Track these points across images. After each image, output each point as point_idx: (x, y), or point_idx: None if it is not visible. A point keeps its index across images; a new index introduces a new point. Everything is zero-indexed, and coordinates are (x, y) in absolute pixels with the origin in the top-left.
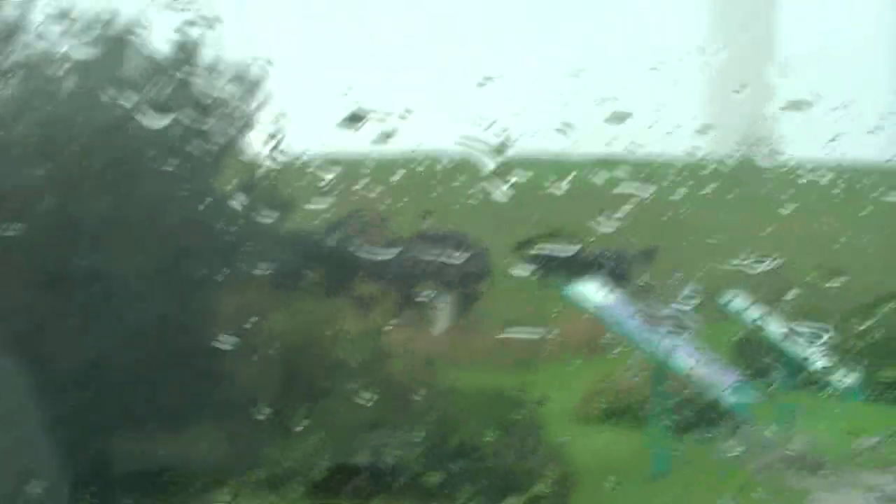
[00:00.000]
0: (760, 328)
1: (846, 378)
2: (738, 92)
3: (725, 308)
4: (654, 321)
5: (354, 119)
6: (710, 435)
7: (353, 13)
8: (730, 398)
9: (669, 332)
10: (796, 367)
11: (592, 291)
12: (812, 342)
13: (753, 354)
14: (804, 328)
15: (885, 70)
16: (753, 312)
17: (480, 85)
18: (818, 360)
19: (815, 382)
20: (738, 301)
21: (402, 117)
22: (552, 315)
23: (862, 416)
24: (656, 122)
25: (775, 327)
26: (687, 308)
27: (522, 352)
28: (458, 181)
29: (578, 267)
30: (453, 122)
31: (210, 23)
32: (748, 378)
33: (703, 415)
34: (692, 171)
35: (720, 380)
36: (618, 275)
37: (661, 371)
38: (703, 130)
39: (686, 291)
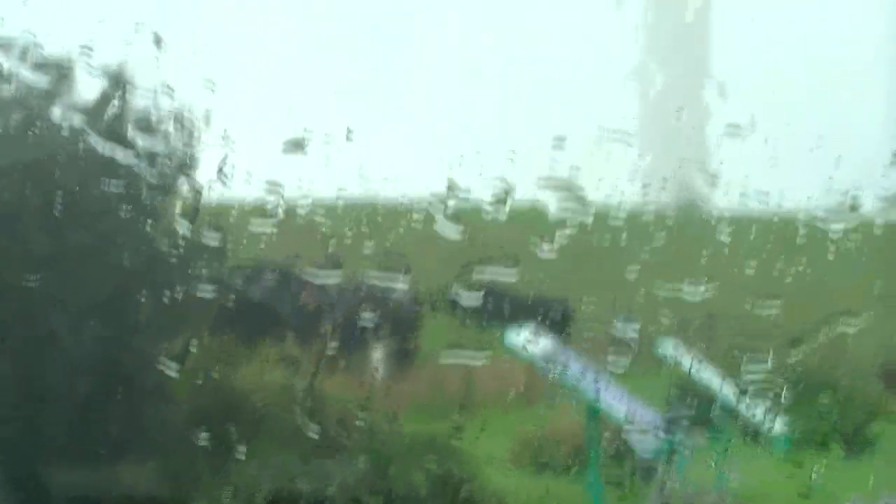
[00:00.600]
0: (695, 374)
1: (777, 424)
2: (677, 112)
3: (661, 354)
4: (589, 368)
5: (297, 144)
6: (644, 483)
7: (297, 33)
8: (663, 446)
9: (604, 379)
10: (729, 414)
11: (529, 337)
12: (746, 383)
13: (688, 402)
14: (741, 362)
15: (823, 89)
16: (687, 358)
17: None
18: (751, 405)
19: (749, 429)
20: (673, 347)
21: (348, 139)
22: (489, 360)
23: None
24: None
25: (710, 373)
26: (622, 356)
27: (457, 396)
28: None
29: (515, 311)
30: (402, 144)
31: (155, 43)
32: (682, 426)
33: (638, 463)
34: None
35: (654, 427)
36: (554, 320)
37: (595, 419)
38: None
39: (624, 332)
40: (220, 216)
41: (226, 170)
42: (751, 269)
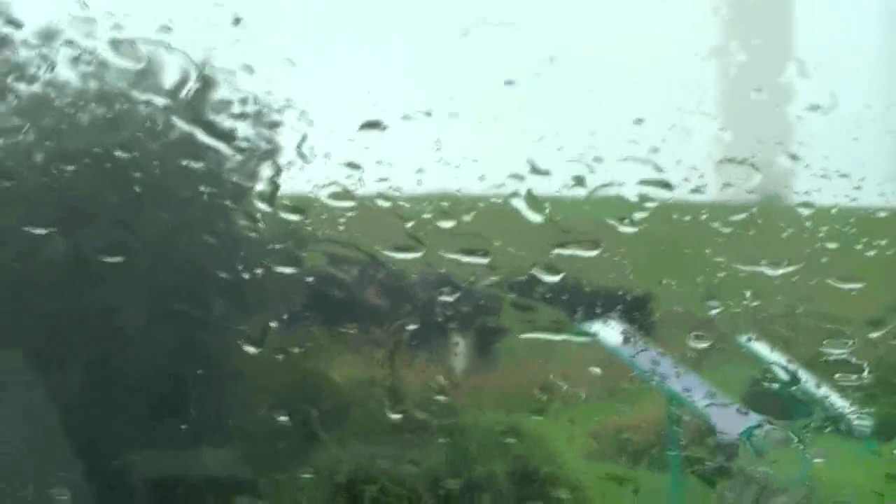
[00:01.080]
0: (776, 369)
1: (863, 420)
2: (758, 91)
3: (740, 347)
4: (669, 361)
5: (375, 125)
6: (725, 477)
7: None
8: (746, 441)
9: (685, 372)
10: (814, 409)
11: (609, 329)
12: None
13: (770, 396)
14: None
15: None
16: (768, 352)
17: (508, 83)
18: (836, 399)
19: (834, 424)
20: (752, 341)
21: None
22: (571, 352)
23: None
24: (674, 125)
25: (792, 367)
26: (702, 346)
27: (538, 389)
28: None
29: (594, 295)
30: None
31: (234, 23)
32: (765, 421)
33: (718, 457)
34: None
35: (736, 422)
36: (633, 304)
37: (675, 405)
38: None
39: (703, 315)
40: (299, 197)
41: (304, 150)
42: (832, 251)
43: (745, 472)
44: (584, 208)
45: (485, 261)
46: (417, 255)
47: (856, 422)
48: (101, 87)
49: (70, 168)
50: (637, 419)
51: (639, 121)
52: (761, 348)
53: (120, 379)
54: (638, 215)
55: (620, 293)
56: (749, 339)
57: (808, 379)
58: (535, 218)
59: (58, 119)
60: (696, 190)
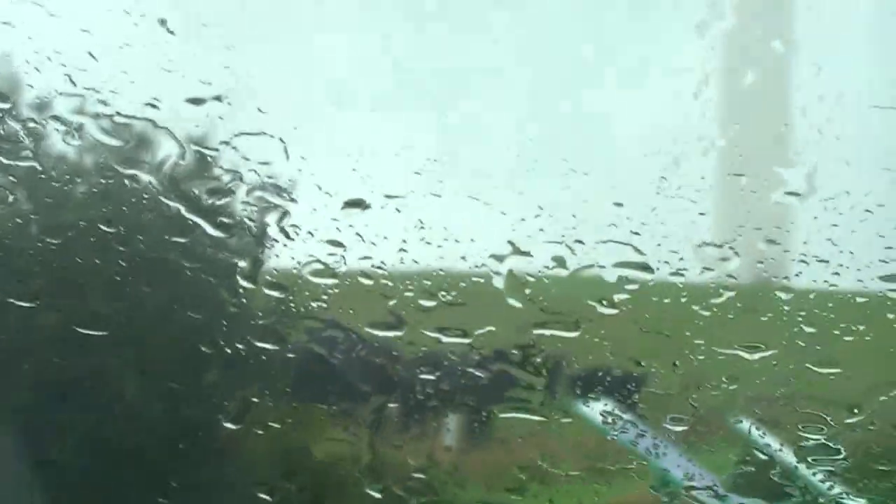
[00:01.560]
0: (768, 450)
1: (838, 490)
2: (738, 176)
3: (731, 427)
4: (653, 433)
5: (358, 203)
6: None
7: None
8: None
9: (667, 443)
10: (797, 492)
11: (599, 409)
12: (806, 448)
13: (762, 478)
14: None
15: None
16: (758, 434)
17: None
18: (828, 482)
19: (811, 495)
20: (742, 423)
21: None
22: (564, 431)
23: None
24: (654, 207)
25: (783, 449)
26: (679, 428)
27: (530, 469)
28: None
29: (583, 382)
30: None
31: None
32: (743, 490)
33: None
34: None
35: (717, 493)
36: (615, 384)
37: (666, 486)
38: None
39: (684, 398)
40: (282, 274)
41: (286, 227)
42: (809, 336)
43: None
44: (565, 289)
45: (466, 340)
46: (399, 332)
47: (836, 498)
48: (87, 161)
49: (56, 241)
50: (622, 499)
51: (619, 204)
52: (746, 430)
53: (102, 450)
54: (618, 297)
55: (600, 374)
56: (737, 422)
57: (790, 462)
58: (514, 301)
59: (45, 192)
60: (676, 273)
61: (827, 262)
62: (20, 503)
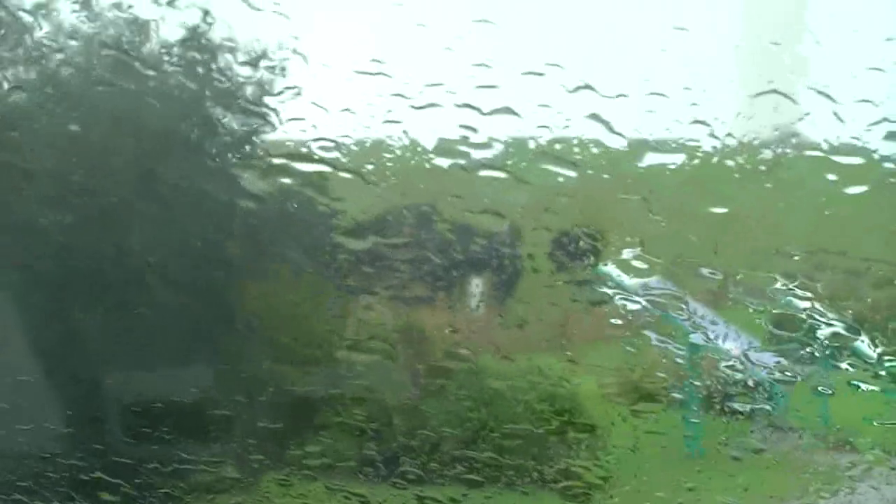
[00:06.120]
0: (796, 310)
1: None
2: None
3: (760, 289)
4: (687, 302)
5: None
6: (743, 417)
7: None
8: (766, 381)
9: (703, 313)
10: (836, 347)
11: (623, 272)
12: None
13: (790, 337)
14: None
15: None
16: (787, 293)
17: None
18: (857, 342)
19: (855, 366)
20: (771, 283)
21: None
22: (585, 296)
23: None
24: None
25: (811, 308)
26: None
27: (555, 333)
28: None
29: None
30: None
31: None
32: (785, 361)
33: (739, 397)
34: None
35: (756, 362)
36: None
37: (695, 352)
38: None
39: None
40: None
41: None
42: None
43: (766, 411)
44: None
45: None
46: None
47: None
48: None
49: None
50: (656, 364)
51: None
52: (779, 290)
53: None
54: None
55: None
56: (767, 281)
57: (834, 324)
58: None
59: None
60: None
61: None
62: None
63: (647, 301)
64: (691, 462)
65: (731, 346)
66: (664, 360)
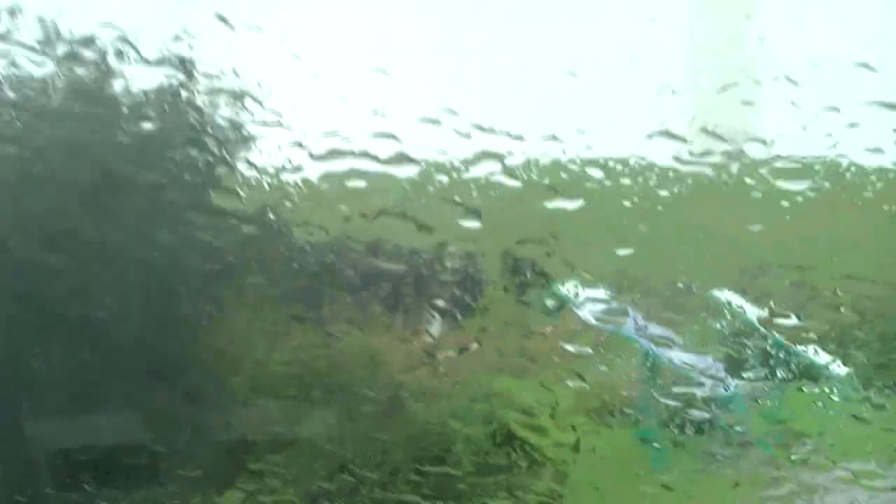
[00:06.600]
0: (750, 322)
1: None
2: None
3: (715, 302)
4: (638, 316)
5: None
6: (704, 430)
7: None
8: (723, 394)
9: (658, 328)
10: (788, 356)
11: (577, 290)
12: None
13: (745, 350)
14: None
15: None
16: (741, 305)
17: None
18: (812, 353)
19: (811, 377)
20: (726, 295)
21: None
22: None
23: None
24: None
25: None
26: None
27: (514, 355)
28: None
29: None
30: None
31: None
32: (741, 373)
33: (697, 411)
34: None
35: (713, 375)
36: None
37: (653, 368)
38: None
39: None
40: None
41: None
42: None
43: (724, 423)
44: None
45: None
46: None
47: (835, 372)
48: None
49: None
50: (614, 376)
51: None
52: (734, 305)
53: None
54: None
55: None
56: (722, 299)
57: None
58: None
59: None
60: None
61: None
62: None
63: (599, 318)
64: (656, 476)
65: (688, 359)
66: (622, 377)
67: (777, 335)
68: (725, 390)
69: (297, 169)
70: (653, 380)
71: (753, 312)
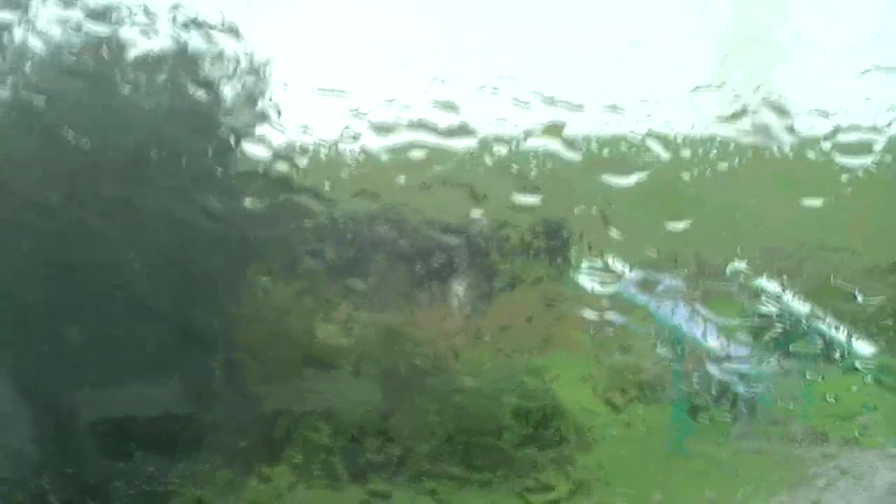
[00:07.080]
0: (780, 304)
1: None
2: None
3: (744, 283)
4: (672, 297)
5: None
6: (729, 412)
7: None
8: (749, 375)
9: (687, 308)
10: (818, 343)
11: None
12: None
13: (774, 330)
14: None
15: None
16: (770, 287)
17: None
18: (841, 335)
19: (838, 358)
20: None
21: None
22: (566, 295)
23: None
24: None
25: (796, 303)
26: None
27: (538, 332)
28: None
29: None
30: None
31: None
32: (768, 354)
33: (723, 392)
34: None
35: (740, 356)
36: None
37: (679, 348)
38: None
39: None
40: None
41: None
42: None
43: (748, 402)
44: None
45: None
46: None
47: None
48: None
49: None
50: (638, 356)
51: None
52: (763, 285)
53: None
54: None
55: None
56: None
57: (808, 309)
58: None
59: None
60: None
61: None
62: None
63: (628, 299)
64: (678, 458)
65: (714, 342)
66: (649, 359)
67: (818, 320)
68: (753, 369)
69: (355, 137)
70: (678, 360)
71: (798, 298)
